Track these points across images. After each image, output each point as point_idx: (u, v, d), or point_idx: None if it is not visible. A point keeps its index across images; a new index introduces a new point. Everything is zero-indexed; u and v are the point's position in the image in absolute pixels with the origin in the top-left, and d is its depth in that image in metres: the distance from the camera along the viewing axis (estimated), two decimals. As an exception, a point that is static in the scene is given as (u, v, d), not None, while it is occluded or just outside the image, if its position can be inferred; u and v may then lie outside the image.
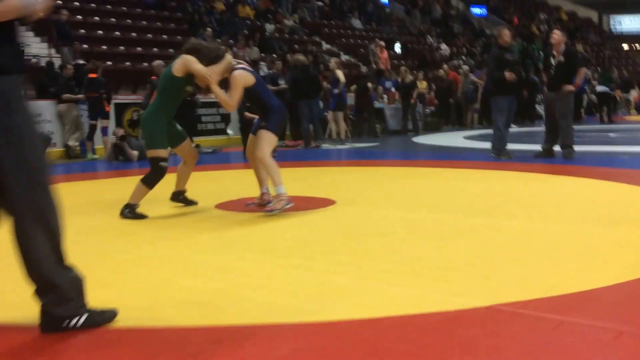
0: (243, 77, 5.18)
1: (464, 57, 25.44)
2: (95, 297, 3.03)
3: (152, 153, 5.26)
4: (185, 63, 5.13)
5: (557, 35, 8.87)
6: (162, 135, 5.26)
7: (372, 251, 3.84)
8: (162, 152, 5.25)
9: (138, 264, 3.71)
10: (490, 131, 9.83)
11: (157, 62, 11.77)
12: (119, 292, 3.15)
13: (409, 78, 16.33)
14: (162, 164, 5.21)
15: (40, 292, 2.51)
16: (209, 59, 5.13)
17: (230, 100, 5.16)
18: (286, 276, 3.32)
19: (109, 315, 2.63)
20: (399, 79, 16.69)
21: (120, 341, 2.49)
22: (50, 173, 2.53)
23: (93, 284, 3.27)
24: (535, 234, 4.19)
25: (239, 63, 5.41)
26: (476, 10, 35.06)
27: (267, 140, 5.18)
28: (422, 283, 3.12)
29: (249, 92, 5.24)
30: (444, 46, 26.51)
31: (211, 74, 5.07)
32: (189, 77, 5.21)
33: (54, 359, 2.38)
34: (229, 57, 5.31)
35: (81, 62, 12.75)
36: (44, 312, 2.52)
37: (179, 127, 5.48)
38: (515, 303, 2.73)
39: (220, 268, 3.54)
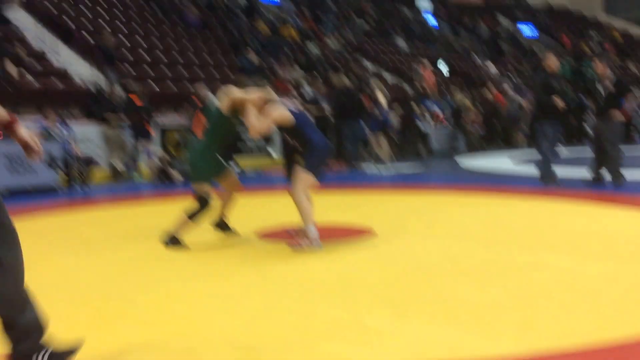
0: (280, 114, 5.17)
1: (511, 77, 25.22)
2: (136, 334, 3.11)
3: (200, 189, 5.34)
4: (227, 95, 5.25)
5: (601, 66, 8.76)
6: (211, 170, 5.38)
7: (412, 290, 3.85)
8: (209, 188, 5.35)
9: (178, 300, 3.78)
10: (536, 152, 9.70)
11: (202, 86, 12.06)
12: (159, 331, 3.21)
13: (460, 98, 16.34)
14: (209, 199, 5.31)
15: (5, 328, 2.57)
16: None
17: (258, 124, 5.12)
18: (325, 318, 3.35)
19: (71, 350, 2.68)
20: (450, 99, 16.70)
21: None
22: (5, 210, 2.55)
23: (134, 320, 3.37)
24: (580, 273, 4.13)
25: (285, 102, 5.48)
26: (525, 29, 34.75)
27: (303, 180, 5.12)
28: (460, 325, 3.12)
29: (290, 129, 5.25)
30: (491, 65, 26.34)
31: (248, 97, 5.17)
32: (236, 115, 5.34)
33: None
34: (270, 90, 5.39)
35: (127, 84, 13.02)
36: (10, 348, 2.58)
37: (222, 160, 5.56)
38: (556, 353, 2.70)
39: (260, 307, 3.58)
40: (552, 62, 8.95)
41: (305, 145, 5.20)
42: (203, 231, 5.83)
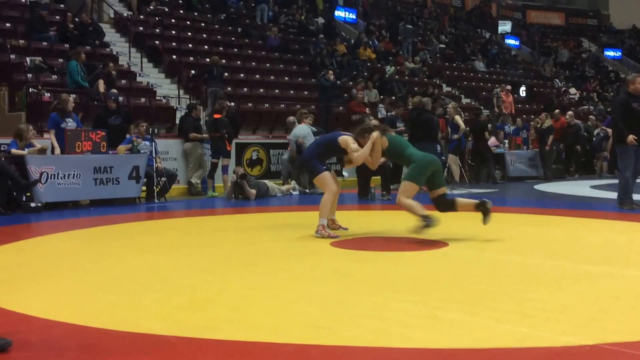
0: (377, 150, 6.41)
1: (594, 102, 24.87)
2: (226, 316, 3.49)
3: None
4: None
5: None
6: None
7: (484, 291, 4.07)
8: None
9: (261, 292, 4.14)
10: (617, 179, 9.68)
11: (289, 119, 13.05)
12: (247, 313, 3.58)
13: (548, 123, 16.34)
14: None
15: None
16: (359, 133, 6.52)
17: (364, 160, 6.50)
18: (398, 308, 3.63)
19: (2, 344, 2.92)
20: (537, 125, 16.70)
21: (249, 352, 2.90)
22: None
23: (224, 306, 3.75)
24: (654, 283, 4.27)
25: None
26: (610, 53, 34.14)
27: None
28: (531, 322, 3.33)
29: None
30: (573, 90, 26.05)
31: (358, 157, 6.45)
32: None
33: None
34: (374, 134, 6.43)
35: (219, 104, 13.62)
36: None
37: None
38: (621, 343, 2.91)
39: (336, 298, 3.90)
40: (639, 83, 8.90)
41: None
42: (280, 238, 6.22)
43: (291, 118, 13.12)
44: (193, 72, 15.91)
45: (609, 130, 18.10)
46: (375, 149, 6.41)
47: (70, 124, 10.20)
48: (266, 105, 15.83)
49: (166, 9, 19.08)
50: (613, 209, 8.98)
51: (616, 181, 9.79)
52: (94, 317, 3.48)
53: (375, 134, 6.43)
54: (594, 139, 18.27)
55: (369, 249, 5.83)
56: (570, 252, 5.53)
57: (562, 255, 5.39)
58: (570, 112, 18.35)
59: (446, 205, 6.51)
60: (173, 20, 18.65)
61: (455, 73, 23.87)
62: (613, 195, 9.98)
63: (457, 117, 13.61)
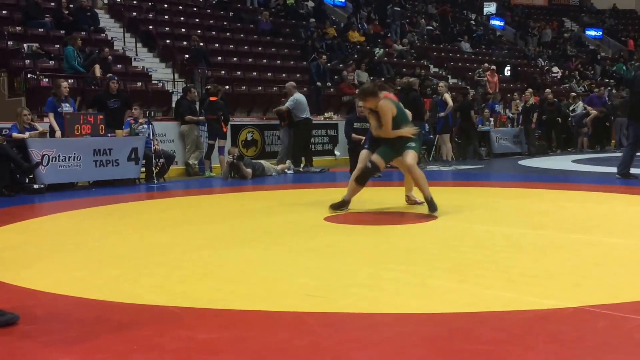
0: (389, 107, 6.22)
1: (577, 80, 24.91)
2: (225, 288, 3.52)
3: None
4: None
5: None
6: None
7: (471, 260, 4.12)
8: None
9: (258, 265, 4.17)
10: (601, 155, 9.73)
11: (290, 84, 12.91)
12: (245, 285, 3.61)
13: (532, 101, 16.37)
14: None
15: None
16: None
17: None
18: (390, 278, 3.67)
19: (10, 317, 2.96)
20: (523, 102, 16.74)
21: (247, 320, 2.94)
22: None
23: (223, 278, 3.78)
24: (631, 249, 4.32)
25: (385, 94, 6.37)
26: (591, 33, 34.12)
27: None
28: (516, 288, 3.38)
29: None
30: (555, 69, 26.06)
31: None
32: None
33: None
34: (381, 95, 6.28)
35: (208, 86, 13.59)
36: None
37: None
38: (603, 305, 2.96)
39: (330, 270, 3.94)
40: None
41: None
42: (275, 214, 6.24)
43: (292, 83, 13.19)
44: (187, 56, 15.84)
45: (589, 108, 18.21)
46: (386, 117, 6.22)
47: (66, 108, 10.16)
48: (259, 88, 15.80)
49: (159, -5, 18.94)
50: (594, 181, 9.05)
51: (596, 156, 9.86)
52: (99, 291, 3.51)
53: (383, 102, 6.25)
54: (572, 116, 18.34)
55: (361, 223, 5.87)
56: (553, 222, 5.58)
57: (546, 225, 5.44)
58: (547, 90, 18.35)
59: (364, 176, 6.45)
60: (166, 5, 18.52)
61: (443, 54, 23.83)
62: (594, 168, 10.09)
63: (447, 95, 13.64)
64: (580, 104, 18.70)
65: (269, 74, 16.78)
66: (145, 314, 3.10)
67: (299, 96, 12.57)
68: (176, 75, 15.48)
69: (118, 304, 3.26)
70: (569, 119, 18.27)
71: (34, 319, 3.08)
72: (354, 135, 10.43)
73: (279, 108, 12.76)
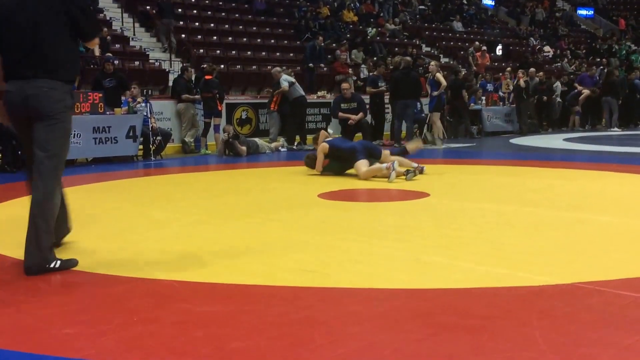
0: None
1: (569, 60, 24.81)
2: (222, 263, 3.49)
3: None
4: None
5: None
6: None
7: (463, 237, 4.10)
8: None
9: (254, 241, 4.13)
10: (592, 133, 9.71)
11: (275, 69, 12.56)
12: (242, 260, 3.58)
13: (523, 80, 16.29)
14: None
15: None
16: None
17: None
18: (383, 253, 3.65)
19: (72, 262, 3.46)
20: (515, 81, 16.65)
21: (244, 294, 2.91)
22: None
23: (220, 253, 3.75)
24: (623, 227, 4.31)
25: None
26: (582, 12, 33.92)
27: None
28: (509, 264, 3.36)
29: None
30: (547, 48, 25.93)
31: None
32: None
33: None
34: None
35: (203, 65, 13.46)
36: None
37: None
38: (595, 282, 2.94)
39: (324, 245, 3.91)
40: None
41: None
42: (270, 191, 6.21)
43: (277, 69, 13.13)
44: (183, 35, 15.67)
45: (580, 87, 18.14)
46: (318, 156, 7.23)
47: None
48: (254, 67, 15.67)
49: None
50: (586, 159, 9.04)
51: (588, 134, 9.84)
52: (99, 264, 3.48)
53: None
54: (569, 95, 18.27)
55: (355, 200, 5.84)
56: (545, 200, 5.56)
57: (538, 203, 5.42)
58: (532, 69, 18.16)
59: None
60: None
61: (435, 34, 23.66)
62: (585, 147, 10.05)
63: (439, 75, 13.52)
64: (558, 83, 18.51)
65: (263, 53, 16.64)
66: (145, 288, 3.08)
67: (288, 77, 12.57)
68: (172, 55, 15.36)
69: (118, 277, 3.24)
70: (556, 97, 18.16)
71: (35, 291, 3.06)
72: (340, 113, 10.62)
73: (282, 89, 12.57)
